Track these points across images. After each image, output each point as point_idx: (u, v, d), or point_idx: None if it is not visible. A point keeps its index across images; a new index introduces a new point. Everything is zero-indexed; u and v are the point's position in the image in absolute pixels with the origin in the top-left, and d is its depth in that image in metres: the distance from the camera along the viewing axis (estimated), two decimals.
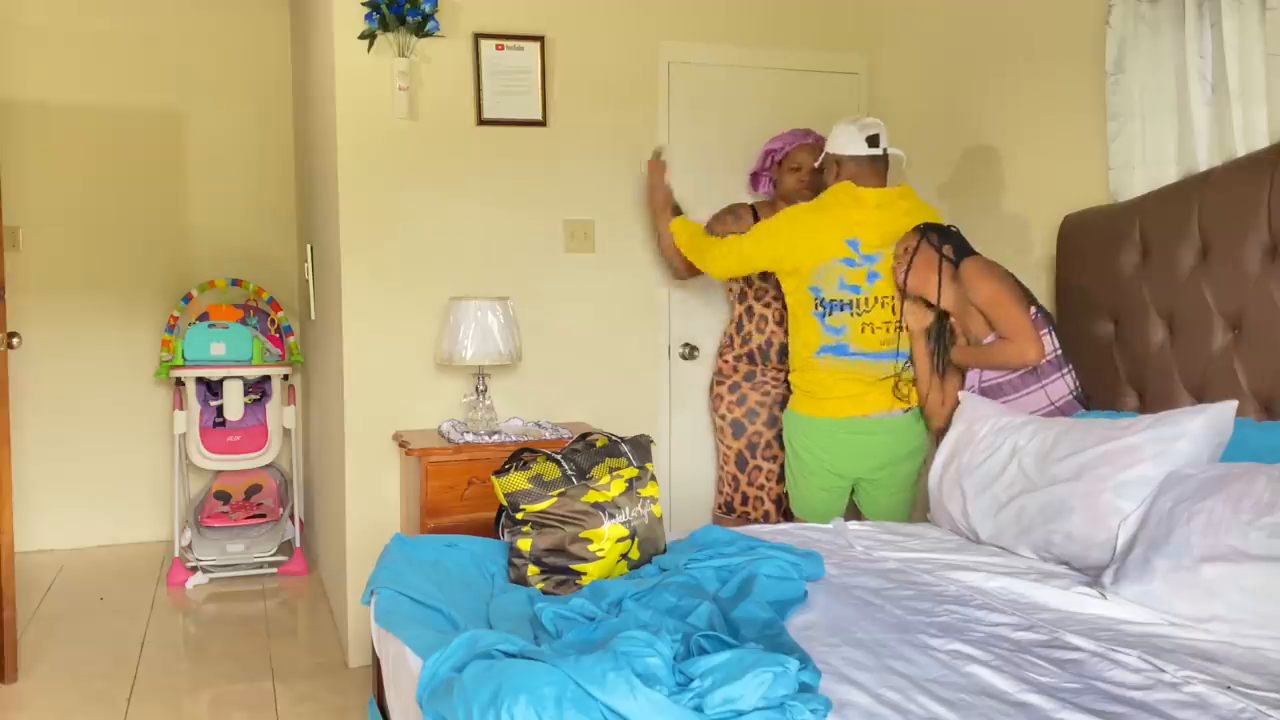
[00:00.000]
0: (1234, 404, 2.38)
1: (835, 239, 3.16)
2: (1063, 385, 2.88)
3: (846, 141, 3.21)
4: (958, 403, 3.01)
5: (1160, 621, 2.05)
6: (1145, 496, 2.30)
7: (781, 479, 3.63)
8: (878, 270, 3.16)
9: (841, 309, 3.17)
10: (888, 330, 3.17)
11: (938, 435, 3.18)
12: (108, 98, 5.26)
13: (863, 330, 3.16)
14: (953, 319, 3.06)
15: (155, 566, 4.94)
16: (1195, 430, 2.34)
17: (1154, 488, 2.30)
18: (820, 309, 3.19)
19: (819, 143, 3.61)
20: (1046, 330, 2.88)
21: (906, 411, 3.22)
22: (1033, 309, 2.90)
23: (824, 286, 3.18)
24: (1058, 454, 2.53)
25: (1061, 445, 2.54)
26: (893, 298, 3.17)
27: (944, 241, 3.02)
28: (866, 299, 3.16)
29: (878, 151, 3.19)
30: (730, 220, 3.69)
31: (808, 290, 3.21)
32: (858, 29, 4.16)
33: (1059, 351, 2.89)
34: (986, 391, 2.97)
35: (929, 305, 3.10)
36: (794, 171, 3.61)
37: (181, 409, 4.84)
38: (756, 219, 3.66)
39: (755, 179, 3.85)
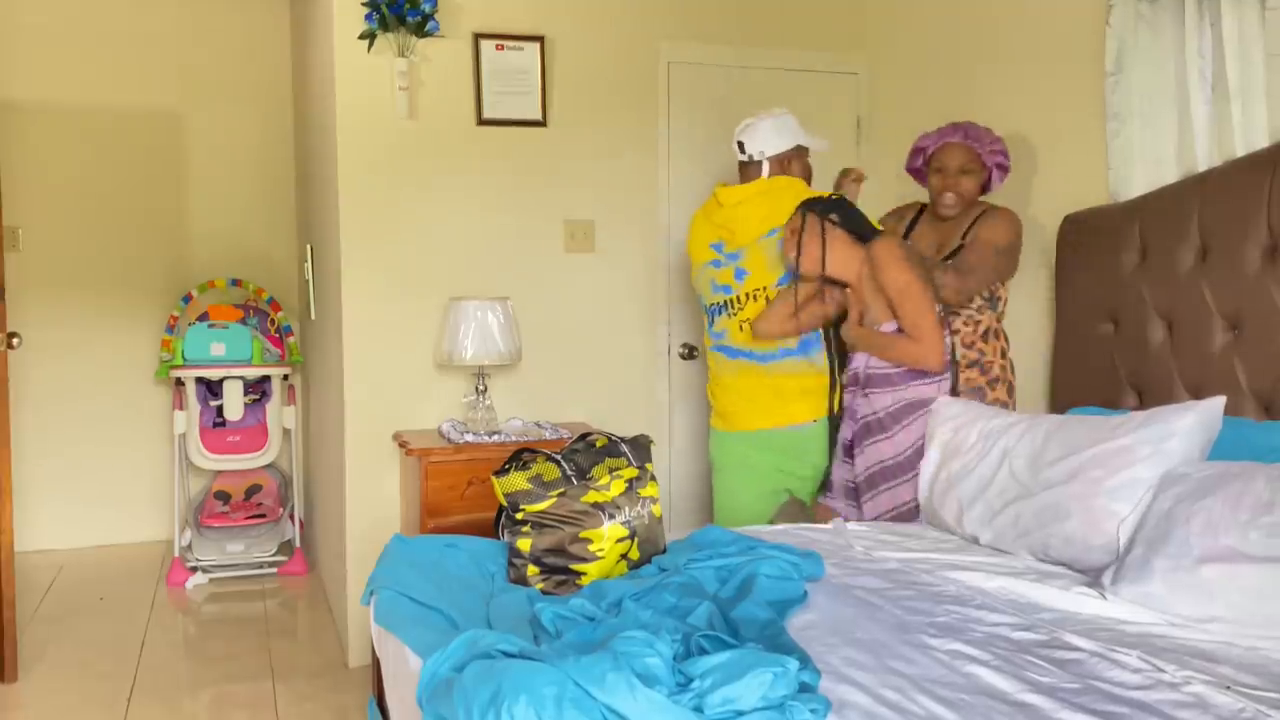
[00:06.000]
0: (1222, 399, 2.38)
1: (704, 243, 3.21)
2: (949, 381, 2.92)
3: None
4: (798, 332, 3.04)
5: (1160, 622, 2.05)
6: (1140, 498, 2.30)
7: None
8: (744, 266, 3.14)
9: (719, 311, 3.19)
10: None
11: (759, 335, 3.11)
12: (108, 98, 5.26)
13: (741, 329, 3.15)
14: (849, 291, 2.99)
15: (155, 566, 4.94)
16: (1185, 428, 2.34)
17: (1148, 488, 2.30)
18: (706, 316, 3.25)
19: (968, 140, 3.19)
20: (946, 331, 2.87)
21: (815, 423, 3.15)
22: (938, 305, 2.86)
23: (702, 292, 3.23)
24: (1049, 456, 2.52)
25: (1052, 447, 2.53)
26: (764, 290, 3.11)
27: (829, 210, 2.94)
28: (739, 297, 3.15)
29: (743, 157, 3.19)
30: (890, 219, 3.45)
31: (698, 299, 3.28)
32: (858, 29, 4.16)
33: (953, 350, 2.91)
34: (874, 378, 2.93)
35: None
36: (937, 173, 3.21)
37: (181, 409, 4.84)
38: (919, 215, 3.38)
39: (916, 175, 3.40)
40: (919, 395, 2.90)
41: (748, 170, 3.21)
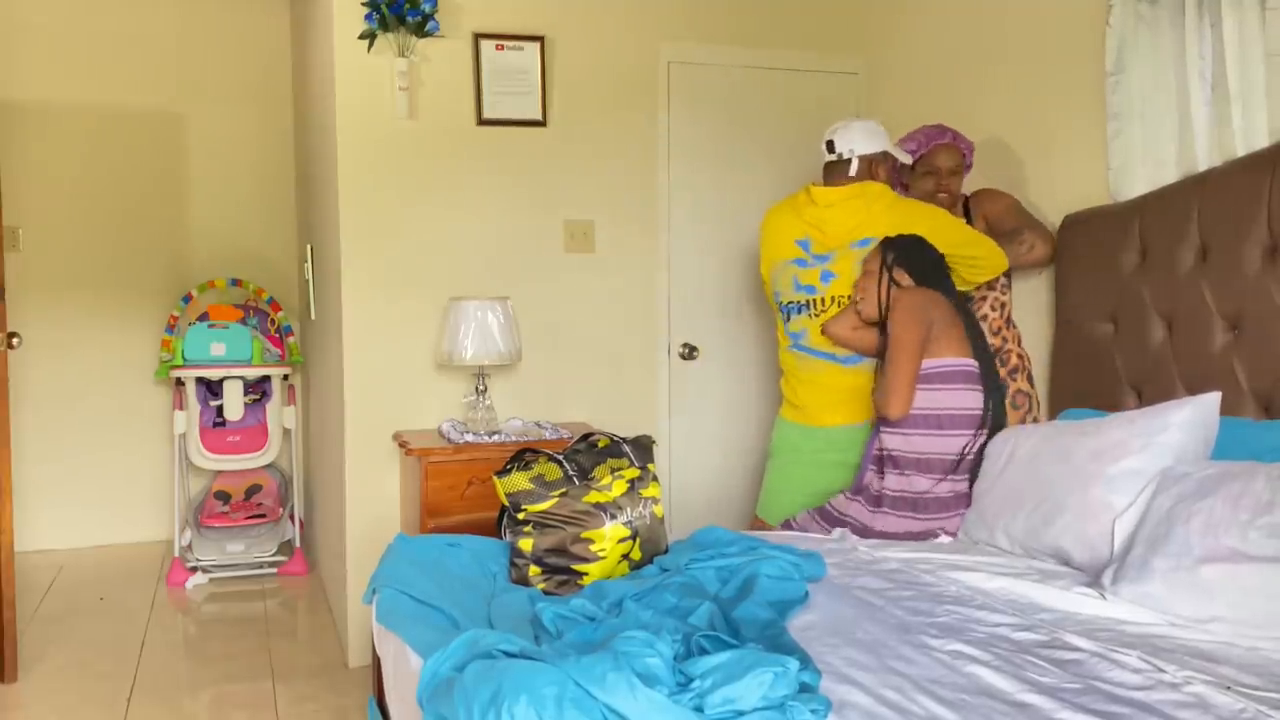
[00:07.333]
0: (1218, 395, 2.39)
1: (788, 239, 3.15)
2: (964, 441, 2.75)
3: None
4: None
5: (1160, 622, 2.05)
6: (1136, 490, 2.31)
7: None
8: (832, 269, 3.08)
9: (799, 311, 3.12)
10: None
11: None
12: (108, 98, 5.26)
13: (821, 332, 3.09)
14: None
15: (155, 566, 4.94)
16: (1180, 422, 2.35)
17: (1144, 481, 2.31)
18: (782, 314, 3.18)
19: (957, 141, 3.32)
20: (978, 388, 2.74)
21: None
22: (971, 362, 2.74)
23: (781, 289, 3.17)
24: (1048, 455, 2.54)
25: (1052, 446, 2.55)
26: (848, 297, 3.05)
27: (898, 261, 2.89)
28: (823, 299, 3.08)
29: (831, 157, 3.15)
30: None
31: (773, 296, 3.23)
32: (857, 29, 4.16)
33: (987, 412, 2.75)
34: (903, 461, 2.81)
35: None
36: (928, 175, 3.31)
37: (181, 409, 4.84)
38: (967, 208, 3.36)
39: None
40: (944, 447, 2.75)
41: (833, 170, 3.14)
